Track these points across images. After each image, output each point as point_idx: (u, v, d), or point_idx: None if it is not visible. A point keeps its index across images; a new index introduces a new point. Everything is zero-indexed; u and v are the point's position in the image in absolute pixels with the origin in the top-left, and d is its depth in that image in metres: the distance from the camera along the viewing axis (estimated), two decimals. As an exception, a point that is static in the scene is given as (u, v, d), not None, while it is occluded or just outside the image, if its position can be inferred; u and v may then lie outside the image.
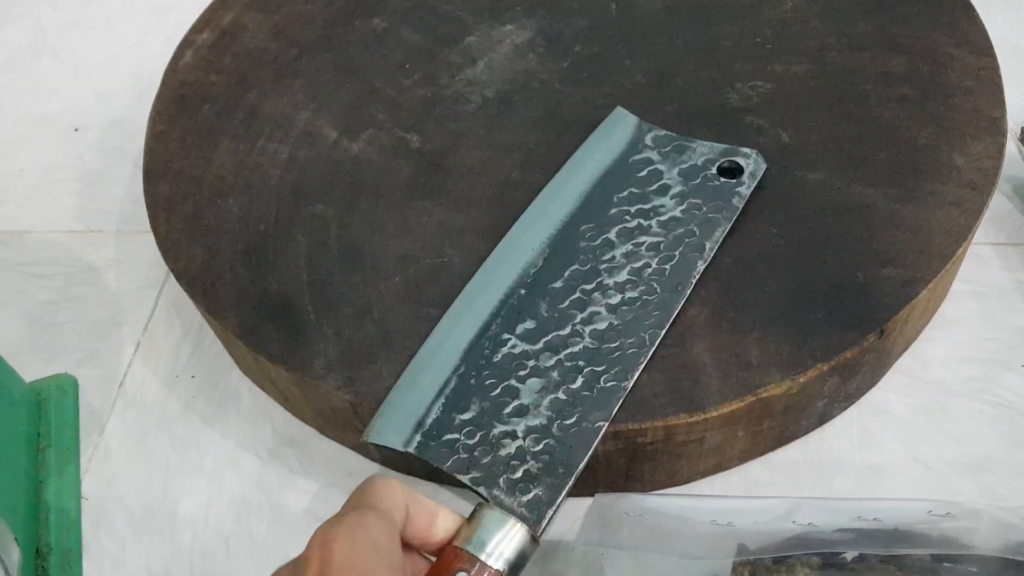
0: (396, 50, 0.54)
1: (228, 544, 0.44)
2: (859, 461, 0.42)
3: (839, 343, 0.39)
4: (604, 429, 0.38)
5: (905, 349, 0.45)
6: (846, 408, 0.44)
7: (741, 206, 0.43)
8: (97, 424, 0.49)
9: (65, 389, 0.50)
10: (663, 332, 0.40)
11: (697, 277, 0.41)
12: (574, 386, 0.39)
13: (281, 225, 0.47)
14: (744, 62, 0.50)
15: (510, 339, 0.40)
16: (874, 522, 0.34)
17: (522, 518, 0.34)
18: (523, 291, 0.41)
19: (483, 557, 0.33)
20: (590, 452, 0.37)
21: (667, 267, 0.41)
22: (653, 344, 0.39)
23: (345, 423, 0.43)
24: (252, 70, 0.54)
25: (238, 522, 0.44)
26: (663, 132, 0.46)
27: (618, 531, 0.36)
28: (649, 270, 0.41)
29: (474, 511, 0.35)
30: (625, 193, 0.44)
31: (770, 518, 0.35)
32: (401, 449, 0.38)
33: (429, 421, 0.38)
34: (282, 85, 0.53)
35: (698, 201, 0.43)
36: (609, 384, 0.38)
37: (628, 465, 0.40)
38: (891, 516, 0.34)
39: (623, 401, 0.38)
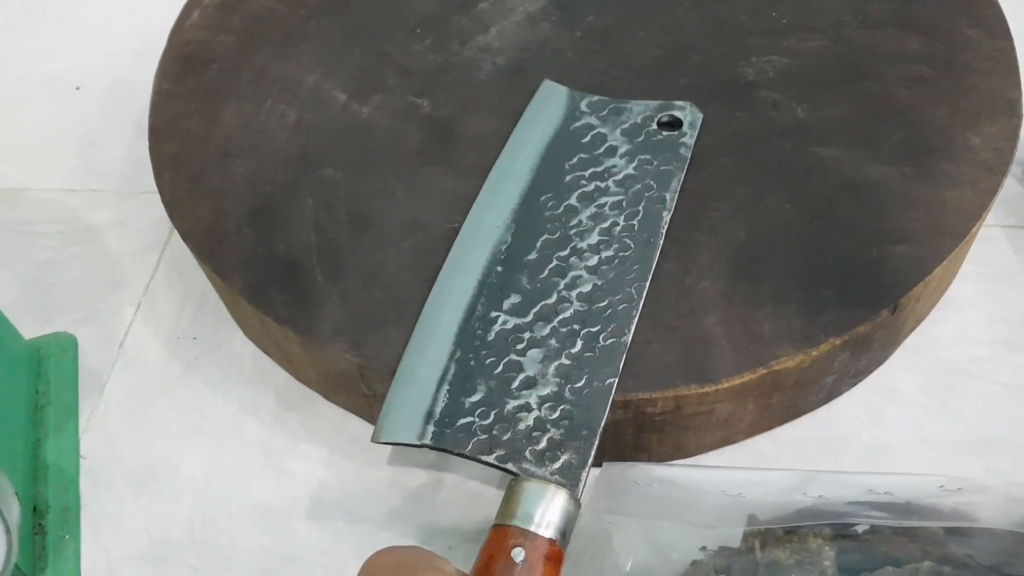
0: (407, 15, 0.53)
1: (230, 507, 0.43)
2: (866, 438, 0.42)
3: (851, 318, 0.39)
4: (615, 384, 0.37)
5: (915, 328, 0.45)
6: (854, 385, 0.44)
7: (689, 156, 0.44)
8: (96, 384, 0.48)
9: (65, 348, 0.49)
10: (647, 284, 0.40)
11: (666, 227, 0.42)
12: (575, 350, 0.38)
13: (288, 187, 0.46)
14: (759, 37, 0.50)
15: (499, 316, 0.40)
16: (885, 495, 0.34)
17: (559, 484, 0.34)
18: (500, 268, 0.41)
19: (533, 529, 0.32)
20: (608, 408, 0.37)
21: (635, 223, 0.42)
22: (641, 297, 0.40)
23: (351, 387, 0.43)
24: (260, 31, 0.54)
25: (240, 485, 0.44)
26: (596, 97, 0.47)
27: (626, 499, 0.36)
28: (618, 228, 0.42)
29: (509, 489, 0.34)
30: (575, 159, 0.44)
31: (780, 490, 0.35)
32: (417, 443, 0.37)
33: (438, 410, 0.38)
34: (290, 47, 0.53)
35: (647, 156, 0.44)
36: (609, 342, 0.38)
37: (636, 436, 0.40)
38: (902, 490, 0.34)
39: (626, 359, 0.38)
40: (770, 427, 0.43)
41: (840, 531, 0.32)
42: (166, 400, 0.47)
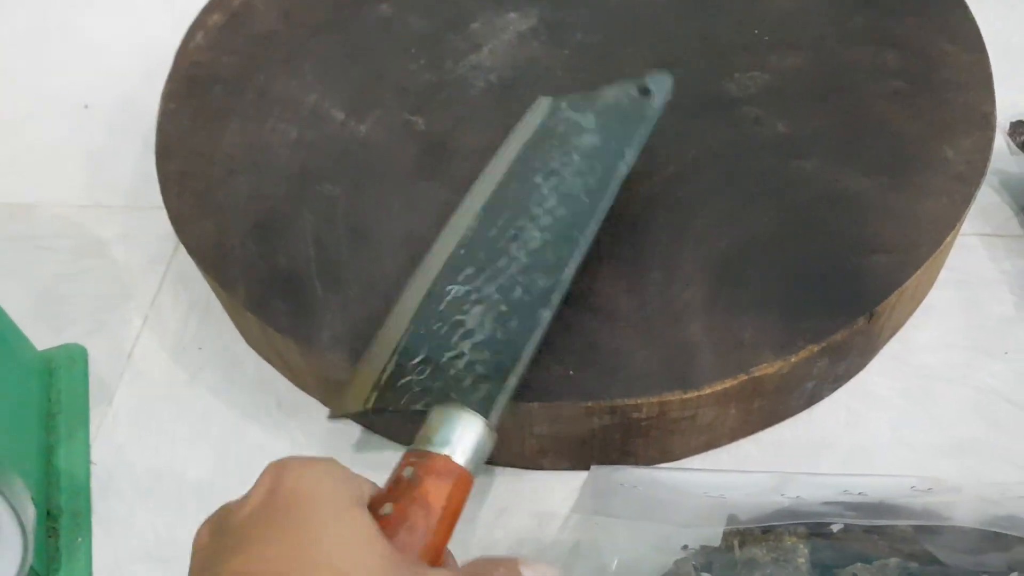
0: (402, 35, 0.55)
1: (233, 510, 0.45)
2: (846, 441, 0.44)
3: (829, 326, 0.41)
4: (547, 316, 0.39)
5: (893, 334, 0.47)
6: (835, 390, 0.45)
7: (655, 114, 0.44)
8: (106, 393, 0.50)
9: (75, 358, 0.51)
10: (596, 224, 0.41)
11: (622, 177, 0.42)
12: (514, 295, 0.40)
13: (289, 203, 0.48)
14: (741, 53, 0.52)
15: (452, 288, 0.41)
16: (859, 496, 0.35)
17: (467, 410, 0.33)
18: (462, 250, 0.42)
19: (429, 448, 0.32)
20: (534, 338, 0.38)
21: (590, 179, 0.42)
22: (584, 234, 0.40)
23: (350, 395, 0.44)
24: (262, 52, 0.56)
25: (243, 489, 0.45)
26: (578, 95, 0.47)
27: (612, 501, 0.38)
28: (576, 188, 0.42)
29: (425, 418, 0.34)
30: (546, 147, 0.45)
31: (759, 491, 0.37)
32: (361, 409, 0.39)
33: (384, 378, 0.39)
34: (291, 67, 0.54)
35: (614, 125, 0.44)
36: (546, 282, 0.40)
37: (623, 440, 0.42)
38: (875, 491, 0.35)
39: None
40: (753, 431, 0.44)
41: (815, 530, 0.34)
42: (172, 408, 0.49)
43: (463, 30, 0.55)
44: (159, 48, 0.64)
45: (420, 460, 0.32)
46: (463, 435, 0.32)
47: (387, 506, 0.30)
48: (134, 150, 0.62)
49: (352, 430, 0.47)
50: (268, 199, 0.48)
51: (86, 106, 0.66)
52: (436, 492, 0.31)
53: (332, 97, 0.53)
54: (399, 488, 0.31)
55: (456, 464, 0.32)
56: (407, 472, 0.31)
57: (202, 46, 0.56)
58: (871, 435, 0.44)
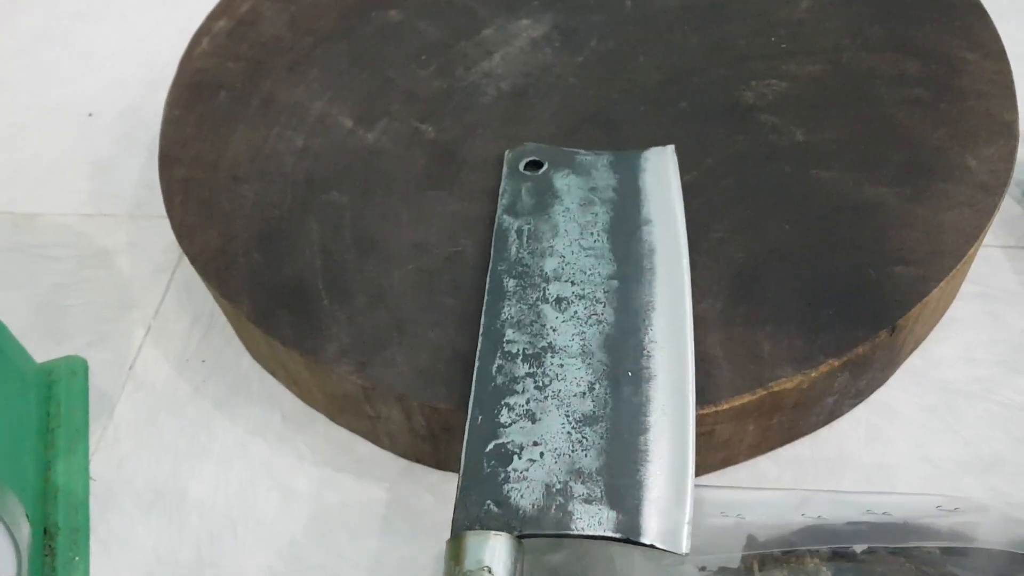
0: (412, 42, 0.54)
1: (236, 528, 0.44)
2: (867, 459, 0.42)
3: (851, 339, 0.39)
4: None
5: (915, 348, 0.45)
6: (855, 405, 0.44)
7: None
8: (106, 407, 0.49)
9: (75, 371, 0.50)
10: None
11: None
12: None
13: (295, 212, 0.47)
14: (758, 61, 0.51)
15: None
16: (883, 516, 0.34)
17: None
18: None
19: None
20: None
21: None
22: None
23: (356, 408, 0.43)
24: (268, 58, 0.55)
25: (246, 506, 0.44)
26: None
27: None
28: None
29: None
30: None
31: (779, 511, 0.35)
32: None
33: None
34: (297, 74, 0.54)
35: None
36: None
37: (637, 457, 0.41)
38: (900, 510, 0.34)
39: None
40: (771, 448, 0.43)
41: (838, 551, 0.33)
42: (175, 422, 0.48)
43: (474, 37, 0.54)
44: (163, 57, 0.64)
45: None
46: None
47: None
48: (138, 159, 0.62)
49: (356, 444, 0.46)
50: (274, 208, 0.47)
51: (90, 115, 0.65)
52: None
53: (339, 104, 0.52)
54: None
55: None
56: None
57: (207, 52, 0.55)
58: (893, 452, 0.43)
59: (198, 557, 0.43)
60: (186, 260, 0.55)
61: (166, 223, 0.49)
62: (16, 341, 0.47)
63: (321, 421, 0.47)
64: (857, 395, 0.43)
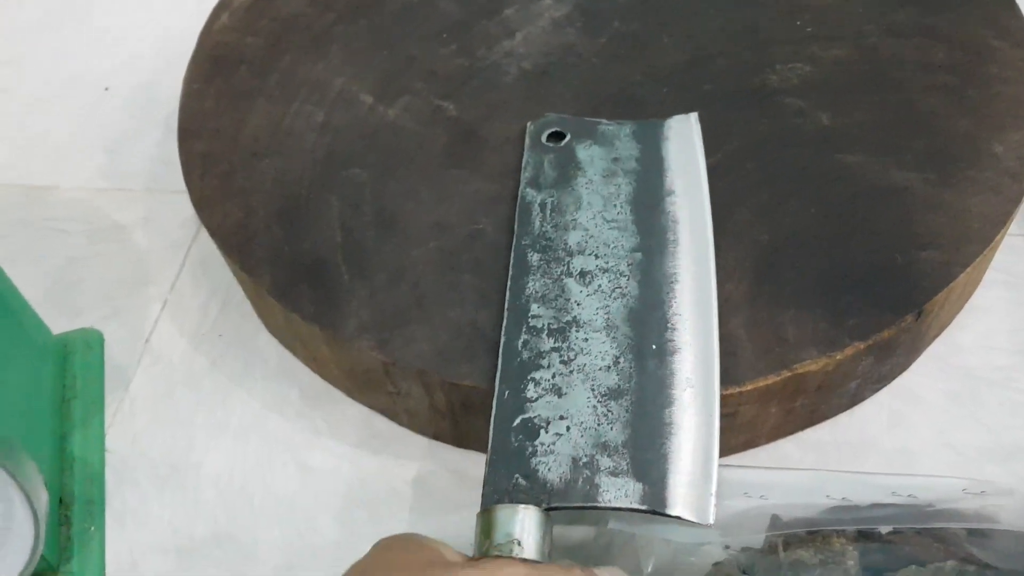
0: (433, 20, 0.54)
1: (252, 502, 0.44)
2: (889, 444, 0.42)
3: (876, 323, 0.39)
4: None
5: (939, 334, 0.45)
6: (877, 391, 0.44)
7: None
8: (122, 380, 0.49)
9: (91, 343, 0.50)
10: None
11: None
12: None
13: (316, 187, 0.47)
14: (783, 44, 0.50)
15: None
16: (909, 498, 0.34)
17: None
18: None
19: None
20: None
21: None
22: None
23: (376, 385, 0.43)
24: (288, 34, 0.54)
25: (263, 481, 0.44)
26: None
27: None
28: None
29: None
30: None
31: (804, 492, 0.35)
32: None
33: None
34: (318, 50, 0.53)
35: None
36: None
37: (658, 438, 0.40)
38: (926, 492, 0.34)
39: None
40: (793, 431, 0.43)
41: (864, 532, 0.32)
42: (191, 396, 0.48)
43: (496, 16, 0.53)
44: (180, 33, 0.63)
45: None
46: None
47: None
48: (154, 135, 0.61)
49: (375, 421, 0.46)
50: (294, 183, 0.47)
51: (106, 89, 0.65)
52: None
53: (360, 81, 0.51)
54: None
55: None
56: None
57: (227, 27, 0.55)
58: (915, 438, 0.42)
59: (214, 531, 0.43)
60: (202, 236, 0.54)
61: (182, 198, 0.49)
62: (33, 311, 0.47)
63: (339, 398, 0.47)
64: (880, 380, 0.43)
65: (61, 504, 0.44)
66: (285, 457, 0.45)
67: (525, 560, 0.31)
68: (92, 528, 0.44)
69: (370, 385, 0.43)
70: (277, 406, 0.47)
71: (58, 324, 0.50)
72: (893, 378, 0.44)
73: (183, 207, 0.56)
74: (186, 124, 0.51)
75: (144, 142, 0.61)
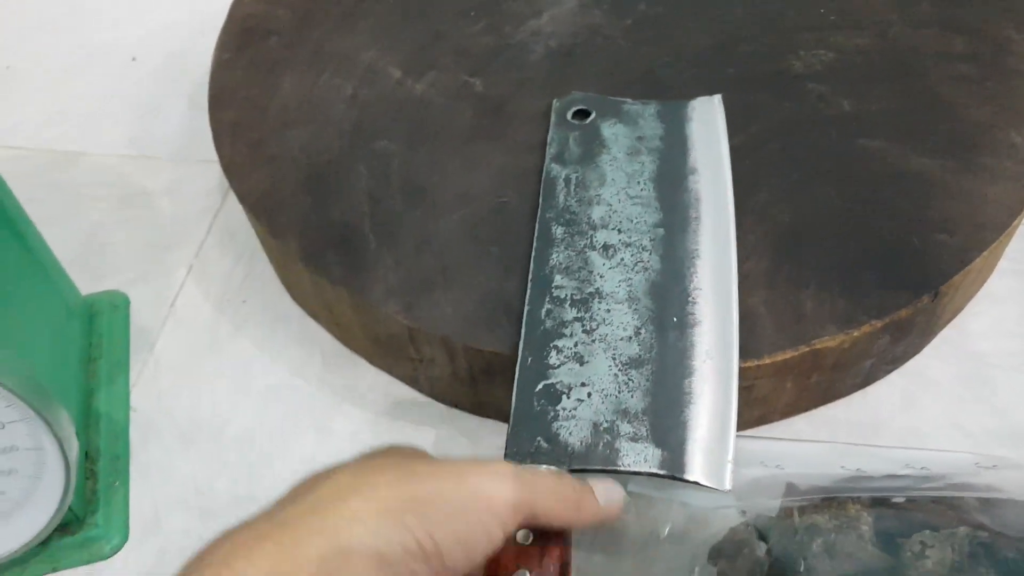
0: (462, -2, 0.55)
1: (273, 463, 0.44)
2: (900, 423, 0.43)
3: (893, 302, 0.40)
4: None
5: (953, 317, 0.46)
6: (890, 371, 0.44)
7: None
8: (147, 342, 0.50)
9: (117, 305, 0.51)
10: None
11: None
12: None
13: (344, 158, 0.48)
14: (806, 32, 0.51)
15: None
16: (922, 470, 0.34)
17: None
18: None
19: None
20: None
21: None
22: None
23: (399, 350, 0.44)
24: (317, 8, 0.55)
25: (284, 443, 0.45)
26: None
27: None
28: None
29: None
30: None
31: (818, 462, 0.36)
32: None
33: None
34: (347, 25, 0.54)
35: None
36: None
37: (675, 409, 0.41)
38: (938, 466, 0.35)
39: None
40: (807, 408, 0.43)
41: (878, 499, 0.33)
42: (215, 359, 0.49)
43: (524, -5, 0.54)
44: (209, 5, 0.64)
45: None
46: None
47: None
48: (181, 104, 0.62)
49: (396, 388, 0.46)
50: (322, 153, 0.48)
51: (134, 59, 0.66)
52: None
53: (388, 56, 0.52)
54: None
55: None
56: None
57: None
58: (926, 418, 0.43)
59: (235, 489, 0.44)
60: (228, 205, 0.55)
61: (208, 168, 0.50)
62: (63, 270, 0.48)
63: (361, 364, 0.47)
64: (894, 361, 0.44)
65: (87, 459, 0.45)
66: (306, 421, 0.46)
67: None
68: (117, 483, 0.44)
69: (393, 351, 0.44)
70: (299, 371, 0.48)
71: (86, 286, 0.51)
72: (906, 360, 0.45)
73: (209, 176, 0.57)
74: (217, 93, 0.52)
75: (171, 112, 0.61)
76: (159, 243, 0.54)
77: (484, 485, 0.29)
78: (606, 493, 0.32)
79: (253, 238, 0.53)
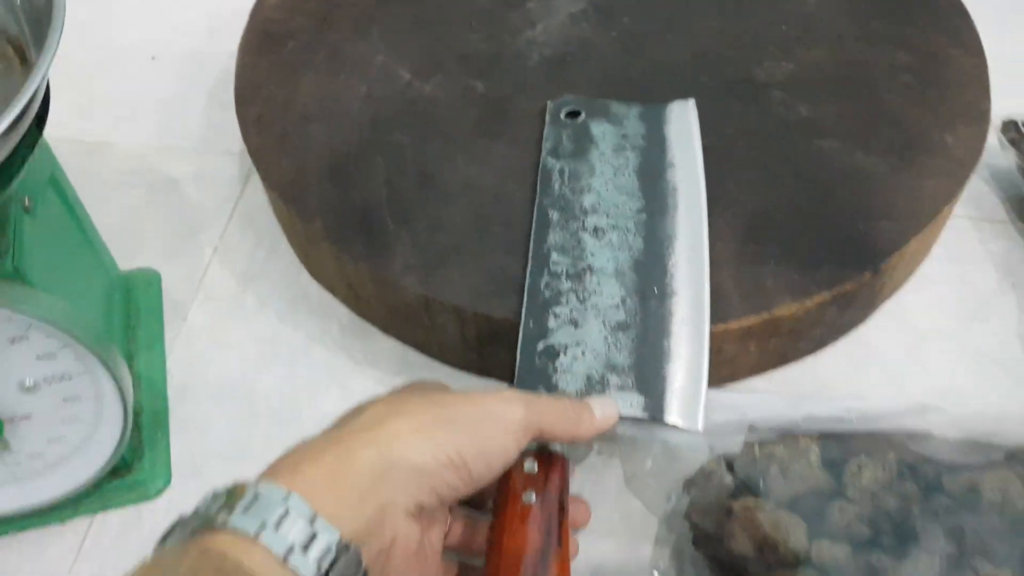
0: (465, 10, 0.61)
1: (301, 416, 0.50)
2: (847, 385, 0.50)
3: (840, 277, 0.47)
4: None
5: (892, 293, 0.53)
6: (838, 339, 0.51)
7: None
8: (180, 313, 0.55)
9: (151, 281, 0.56)
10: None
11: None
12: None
13: (362, 149, 0.53)
14: (771, 46, 0.58)
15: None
16: (862, 415, 0.41)
17: None
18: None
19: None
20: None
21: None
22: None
23: (414, 318, 0.50)
24: (333, 14, 0.61)
25: (310, 399, 0.51)
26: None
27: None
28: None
29: None
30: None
31: (775, 408, 0.43)
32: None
33: None
34: (360, 31, 0.60)
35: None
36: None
37: (654, 370, 0.48)
38: (875, 411, 0.41)
39: None
40: (766, 369, 0.50)
41: (825, 434, 0.40)
42: (242, 328, 0.54)
43: (520, 8, 0.60)
44: (224, 7, 0.69)
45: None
46: None
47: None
48: (200, 101, 0.67)
49: (408, 353, 0.52)
50: (342, 144, 0.54)
51: (153, 58, 0.71)
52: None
53: (399, 59, 0.58)
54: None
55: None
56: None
57: (276, 5, 0.62)
58: (869, 382, 0.50)
59: (267, 441, 0.49)
60: (249, 191, 0.61)
61: (229, 159, 0.55)
62: (104, 244, 0.53)
63: (375, 333, 0.53)
64: (841, 329, 0.51)
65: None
66: (328, 381, 0.52)
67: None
68: (159, 434, 0.50)
69: (408, 319, 0.50)
70: (320, 339, 0.53)
71: (122, 264, 0.56)
72: (852, 328, 0.51)
73: (230, 167, 0.63)
74: (242, 91, 0.57)
75: (192, 108, 0.67)
76: (186, 226, 0.60)
77: (498, 407, 0.35)
78: (602, 407, 0.38)
79: (272, 223, 0.58)
